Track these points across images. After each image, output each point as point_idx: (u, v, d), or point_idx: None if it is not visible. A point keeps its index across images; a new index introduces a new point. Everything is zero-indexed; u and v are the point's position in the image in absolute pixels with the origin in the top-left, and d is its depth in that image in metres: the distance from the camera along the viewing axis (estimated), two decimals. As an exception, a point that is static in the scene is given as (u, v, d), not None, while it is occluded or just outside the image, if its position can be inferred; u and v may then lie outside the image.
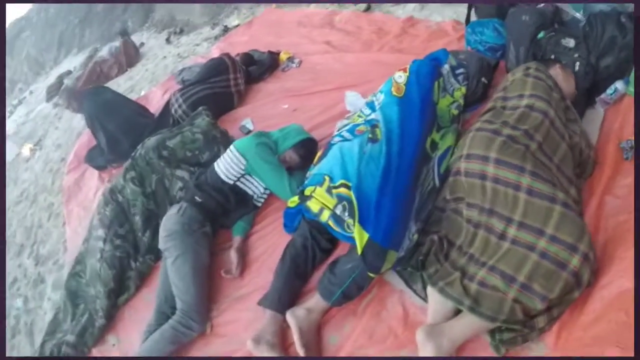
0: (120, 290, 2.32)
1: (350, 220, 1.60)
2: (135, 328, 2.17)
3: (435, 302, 1.44)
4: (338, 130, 2.02)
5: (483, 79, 2.17)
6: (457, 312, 1.42)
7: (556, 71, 1.88)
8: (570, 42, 1.98)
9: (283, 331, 1.69)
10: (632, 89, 1.81)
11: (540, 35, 2.08)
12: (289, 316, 1.64)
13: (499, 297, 1.30)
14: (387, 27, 3.33)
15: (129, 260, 2.36)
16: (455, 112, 2.03)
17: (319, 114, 2.68)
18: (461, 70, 2.12)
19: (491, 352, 1.35)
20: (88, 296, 2.39)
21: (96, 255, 2.37)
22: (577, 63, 1.92)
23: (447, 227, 1.62)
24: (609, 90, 1.85)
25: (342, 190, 1.65)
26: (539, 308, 1.28)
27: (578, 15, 2.13)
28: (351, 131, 1.88)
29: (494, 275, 1.34)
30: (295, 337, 1.57)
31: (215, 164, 2.21)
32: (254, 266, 2.05)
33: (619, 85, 1.84)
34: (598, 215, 1.51)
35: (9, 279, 3.30)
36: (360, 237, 1.53)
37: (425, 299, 1.53)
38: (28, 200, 4.14)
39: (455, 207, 1.62)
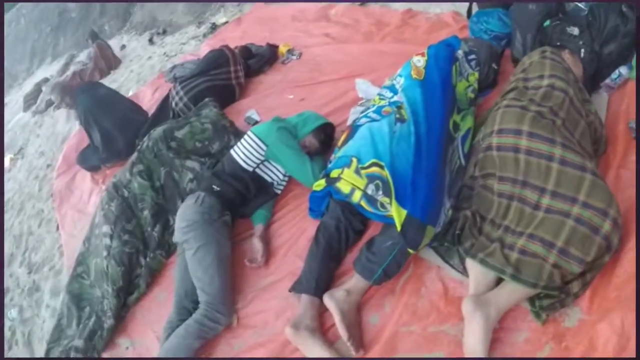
0: (130, 289, 2.21)
1: (385, 199, 1.59)
2: (149, 329, 2.07)
3: (477, 274, 1.46)
4: (361, 114, 2.01)
5: (493, 65, 2.22)
6: (498, 282, 1.44)
7: (566, 56, 1.93)
8: (575, 30, 2.04)
9: (321, 315, 1.63)
10: (634, 74, 1.90)
11: (546, 23, 2.14)
12: (327, 299, 1.58)
13: (539, 264, 1.34)
14: (385, 19, 3.34)
15: (138, 256, 2.25)
16: (472, 95, 2.09)
17: (328, 102, 2.66)
18: (473, 56, 2.17)
19: (531, 319, 1.37)
20: (94, 298, 2.28)
21: (102, 253, 2.25)
22: (582, 50, 1.99)
23: (477, 203, 1.63)
24: (614, 75, 1.93)
25: (374, 169, 1.64)
26: (577, 272, 1.32)
27: (580, 4, 2.20)
28: (378, 112, 1.89)
29: (534, 242, 1.38)
30: (336, 319, 1.51)
31: (232, 151, 2.14)
32: (279, 253, 1.98)
33: (622, 70, 1.92)
34: (616, 187, 1.57)
35: (-1, 290, 3.11)
36: (398, 213, 1.52)
37: (463, 272, 1.55)
38: (14, 209, 3.94)
39: (484, 184, 1.64)
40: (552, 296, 1.35)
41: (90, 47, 5.73)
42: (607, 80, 1.94)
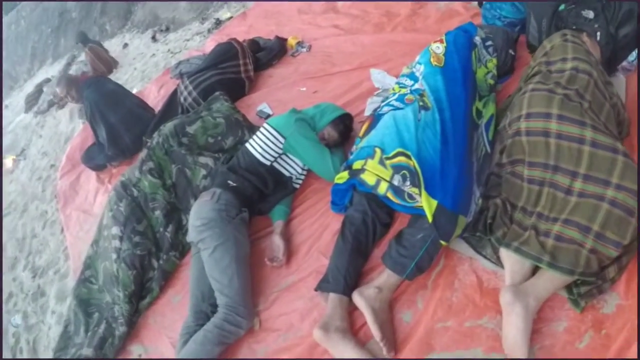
0: (142, 294, 2.10)
1: (414, 190, 1.53)
2: (164, 334, 1.96)
3: (513, 263, 1.42)
4: (382, 102, 1.95)
5: (510, 51, 2.22)
6: (534, 271, 1.41)
7: (584, 39, 1.91)
8: (590, 14, 2.03)
9: (350, 315, 1.54)
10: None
11: (561, 7, 2.12)
12: (357, 297, 1.49)
13: (575, 250, 1.32)
14: (394, 9, 3.28)
15: (150, 258, 2.14)
16: (492, 81, 2.08)
17: (343, 94, 2.59)
18: (489, 42, 2.14)
19: (569, 308, 1.34)
20: (103, 303, 2.17)
21: (111, 256, 2.15)
22: (598, 33, 1.97)
23: (507, 191, 1.60)
24: (631, 57, 1.94)
25: (400, 159, 1.58)
26: (614, 256, 1.31)
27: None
28: (401, 100, 1.84)
29: (570, 227, 1.36)
30: (368, 319, 1.42)
31: (248, 144, 2.04)
32: (301, 251, 1.88)
33: (640, 51, 1.91)
34: (641, 170, 1.52)
35: (3, 296, 3.01)
36: (428, 204, 1.47)
37: (497, 263, 1.50)
38: (17, 211, 3.86)
39: (513, 170, 1.61)
40: (589, 283, 1.32)
41: (83, 50, 5.54)
42: (624, 63, 1.95)
